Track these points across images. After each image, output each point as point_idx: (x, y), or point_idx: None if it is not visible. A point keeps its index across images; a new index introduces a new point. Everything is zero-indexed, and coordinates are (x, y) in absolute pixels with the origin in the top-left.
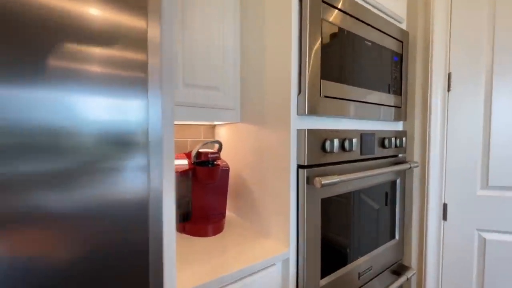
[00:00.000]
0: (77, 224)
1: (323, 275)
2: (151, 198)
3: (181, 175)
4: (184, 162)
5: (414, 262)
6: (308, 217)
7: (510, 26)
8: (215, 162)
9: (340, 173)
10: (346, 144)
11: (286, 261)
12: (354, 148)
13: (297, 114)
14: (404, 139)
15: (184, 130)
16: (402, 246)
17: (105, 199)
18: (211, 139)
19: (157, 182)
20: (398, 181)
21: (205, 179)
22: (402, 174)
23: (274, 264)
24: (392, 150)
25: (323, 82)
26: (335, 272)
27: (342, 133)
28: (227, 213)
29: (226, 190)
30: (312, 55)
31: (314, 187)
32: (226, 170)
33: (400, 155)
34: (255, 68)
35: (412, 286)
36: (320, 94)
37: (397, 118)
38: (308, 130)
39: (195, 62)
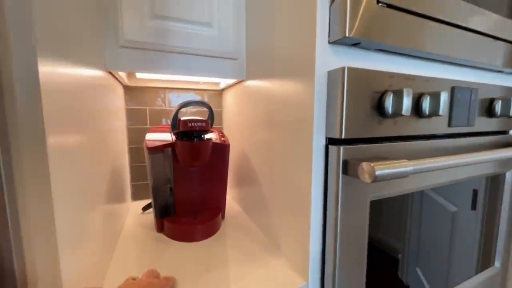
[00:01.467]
0: None
1: None
2: None
3: (154, 152)
4: (162, 137)
5: None
6: (344, 232)
7: None
8: (204, 136)
9: (412, 156)
10: (425, 103)
11: None
12: (442, 112)
13: (329, 43)
14: None
15: (180, 94)
16: (505, 278)
17: None
18: (199, 100)
19: None
20: (508, 175)
21: (187, 159)
22: None
23: None
24: (500, 122)
25: None
26: None
27: (418, 82)
28: (231, 204)
29: (225, 175)
30: None
31: (359, 179)
32: (223, 147)
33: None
34: None
35: None
36: (378, 1)
37: None
38: (349, 69)
39: None
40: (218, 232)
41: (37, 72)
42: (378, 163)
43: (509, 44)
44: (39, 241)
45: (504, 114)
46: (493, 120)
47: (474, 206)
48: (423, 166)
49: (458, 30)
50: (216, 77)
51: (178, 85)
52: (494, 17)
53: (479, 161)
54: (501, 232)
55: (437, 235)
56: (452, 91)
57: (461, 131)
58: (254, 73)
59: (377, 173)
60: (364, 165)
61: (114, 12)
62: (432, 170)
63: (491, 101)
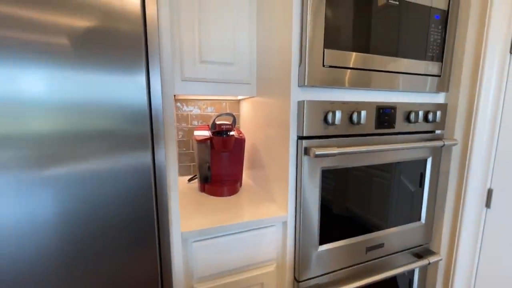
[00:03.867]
0: (93, 181)
1: (322, 242)
2: (157, 166)
3: (200, 143)
4: (204, 133)
5: (443, 249)
6: (305, 185)
7: None
8: (229, 133)
9: (346, 146)
10: (354, 116)
11: (285, 224)
12: (363, 121)
13: (298, 86)
14: (439, 113)
15: (211, 104)
16: (430, 230)
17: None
18: (228, 112)
19: (161, 154)
20: (429, 160)
21: (219, 147)
22: (436, 152)
23: (273, 225)
24: (426, 126)
25: (328, 51)
26: (337, 241)
27: (350, 105)
28: (246, 180)
29: (241, 159)
30: (314, 23)
31: (311, 157)
32: (240, 140)
33: (438, 132)
34: (268, 40)
35: (439, 274)
36: (324, 65)
37: (436, 89)
38: (307, 101)
39: (211, 40)
40: (238, 193)
41: (173, 104)
42: (319, 148)
43: (421, 76)
44: (171, 183)
45: (417, 121)
46: (412, 124)
47: (420, 185)
48: (345, 150)
49: (383, 73)
50: (236, 95)
51: (210, 97)
52: (410, 61)
53: (388, 149)
54: (425, 198)
55: (388, 205)
56: (377, 108)
57: (388, 131)
58: (261, 92)
59: (316, 153)
60: (311, 149)
61: (180, 60)
62: (352, 154)
63: (409, 113)
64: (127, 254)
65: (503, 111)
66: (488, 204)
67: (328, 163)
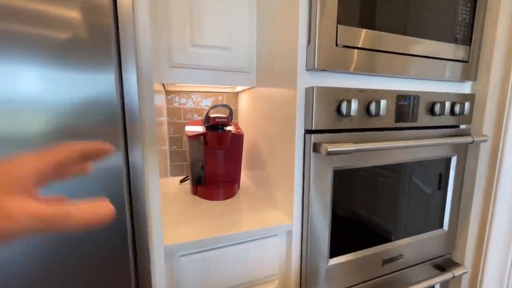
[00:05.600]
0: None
1: (333, 254)
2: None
3: (192, 139)
4: (196, 128)
5: (468, 260)
6: (314, 189)
7: None
8: (225, 128)
9: (361, 141)
10: (372, 107)
11: (289, 233)
12: (382, 113)
13: (306, 70)
14: (467, 104)
15: (206, 97)
16: (454, 239)
17: None
18: (224, 103)
19: (136, 155)
20: (454, 158)
21: (214, 144)
22: (462, 150)
23: (276, 235)
24: (450, 119)
25: (341, 28)
26: (350, 254)
27: (367, 94)
28: (245, 181)
29: (239, 157)
30: None
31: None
32: (238, 136)
33: (463, 126)
34: (270, 17)
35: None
36: (337, 44)
37: (462, 77)
38: (317, 88)
39: (204, 20)
40: (235, 196)
41: (153, 95)
42: (332, 144)
43: (448, 62)
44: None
45: (443, 113)
46: (436, 117)
47: (439, 187)
48: (364, 147)
49: (405, 56)
50: (233, 85)
51: (205, 89)
52: (436, 44)
53: (412, 146)
54: (448, 202)
55: (406, 211)
56: (398, 97)
57: (409, 125)
58: (261, 82)
59: (329, 149)
60: (323, 145)
61: (168, 44)
62: (369, 151)
63: (433, 104)
64: (97, 274)
65: None
66: None
67: (341, 163)
